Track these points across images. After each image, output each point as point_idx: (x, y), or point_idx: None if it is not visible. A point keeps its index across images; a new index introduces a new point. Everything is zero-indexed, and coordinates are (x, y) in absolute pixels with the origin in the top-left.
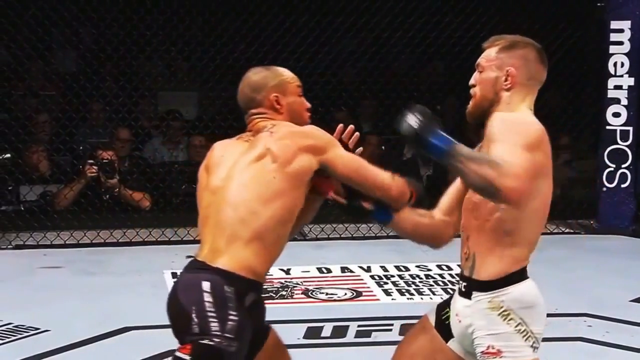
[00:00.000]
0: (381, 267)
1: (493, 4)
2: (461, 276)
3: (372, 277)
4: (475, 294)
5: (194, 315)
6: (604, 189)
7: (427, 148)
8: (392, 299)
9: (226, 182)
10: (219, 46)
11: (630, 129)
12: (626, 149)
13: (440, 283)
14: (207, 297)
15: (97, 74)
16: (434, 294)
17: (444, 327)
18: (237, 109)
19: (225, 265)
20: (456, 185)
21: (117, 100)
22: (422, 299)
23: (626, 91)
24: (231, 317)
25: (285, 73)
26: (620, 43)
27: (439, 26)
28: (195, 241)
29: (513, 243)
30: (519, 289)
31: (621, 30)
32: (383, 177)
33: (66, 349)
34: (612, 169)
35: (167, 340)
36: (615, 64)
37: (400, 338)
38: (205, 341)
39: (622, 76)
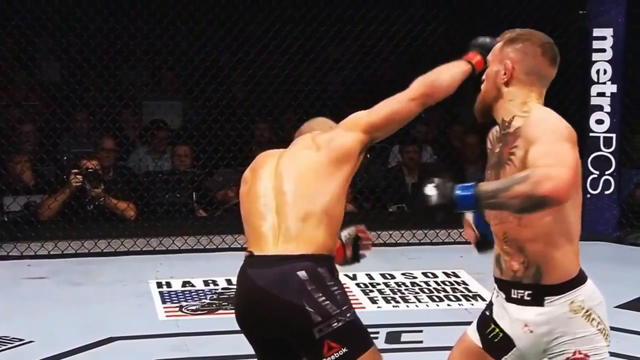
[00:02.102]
0: (367, 275)
1: (476, 12)
2: (517, 285)
3: (357, 285)
4: (548, 299)
5: (307, 307)
6: (588, 195)
7: (457, 208)
8: (378, 307)
9: (282, 171)
10: (203, 55)
11: (614, 135)
12: (610, 155)
13: (426, 290)
14: (309, 285)
15: (80, 84)
16: (419, 301)
17: (493, 346)
18: (221, 118)
19: (307, 249)
20: None
21: (101, 110)
22: (407, 306)
23: (609, 98)
24: (335, 291)
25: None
26: (603, 50)
27: (423, 34)
28: (180, 251)
29: (568, 241)
30: (589, 286)
31: (603, 38)
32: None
33: None
34: (595, 175)
35: (152, 351)
36: (598, 71)
37: (386, 346)
38: (337, 324)
39: (605, 83)
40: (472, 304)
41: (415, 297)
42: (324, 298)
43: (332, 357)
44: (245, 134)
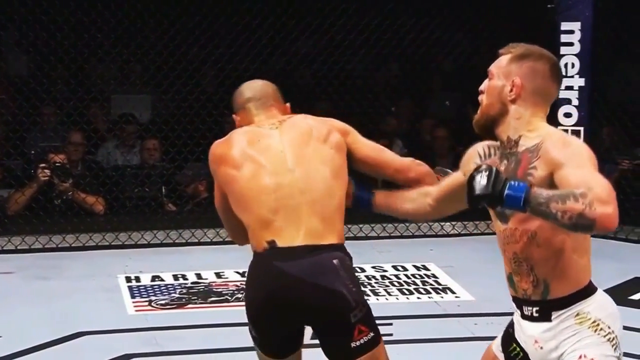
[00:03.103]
0: None
1: (446, 5)
2: (527, 302)
3: None
4: (555, 313)
5: (346, 293)
6: None
7: (505, 203)
8: None
9: (295, 165)
10: (172, 48)
11: (582, 129)
12: None
13: (396, 284)
14: (343, 273)
15: (48, 77)
16: (389, 294)
17: None
18: (190, 112)
19: (333, 239)
20: (454, 178)
21: (69, 103)
22: (377, 299)
23: (577, 92)
24: (357, 279)
25: None
26: (571, 44)
27: (393, 27)
28: (149, 245)
29: (580, 256)
30: (599, 298)
31: (571, 32)
32: (402, 160)
33: (19, 355)
34: None
35: (121, 345)
36: (566, 65)
37: None
38: (365, 309)
39: (572, 77)
40: (442, 297)
41: (386, 290)
42: (355, 285)
43: (362, 340)
44: (214, 127)
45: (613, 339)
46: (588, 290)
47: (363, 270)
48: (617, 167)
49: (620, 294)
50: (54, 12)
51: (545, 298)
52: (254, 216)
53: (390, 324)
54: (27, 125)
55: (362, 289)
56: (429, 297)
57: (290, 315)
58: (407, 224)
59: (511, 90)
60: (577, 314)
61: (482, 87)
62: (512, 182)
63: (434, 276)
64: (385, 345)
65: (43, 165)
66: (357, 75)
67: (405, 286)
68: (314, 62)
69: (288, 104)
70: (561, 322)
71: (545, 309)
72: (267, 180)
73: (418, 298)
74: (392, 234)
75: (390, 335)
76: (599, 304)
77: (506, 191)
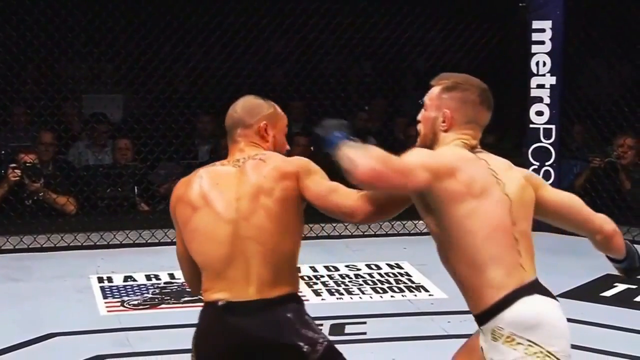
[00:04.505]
0: (310, 267)
1: (418, 4)
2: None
3: (301, 277)
4: (482, 328)
5: (300, 342)
6: None
7: (326, 146)
8: (322, 299)
9: (247, 215)
10: (143, 47)
11: (553, 127)
12: (549, 147)
13: (370, 282)
14: (297, 325)
15: (18, 77)
16: (363, 293)
17: None
18: (162, 111)
19: (285, 290)
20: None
21: (40, 103)
22: (351, 298)
23: (548, 90)
24: (312, 322)
25: (279, 109)
26: (542, 42)
27: (365, 27)
28: (122, 245)
29: (478, 270)
30: (513, 311)
31: (542, 30)
32: (350, 202)
33: None
34: (536, 166)
35: (93, 346)
36: (537, 63)
37: (330, 337)
38: (321, 347)
39: (544, 75)
40: (415, 295)
41: (359, 288)
42: (308, 330)
43: None
44: (187, 127)
45: (536, 352)
46: (500, 305)
47: (336, 269)
48: (588, 165)
49: (592, 291)
50: (23, 11)
51: (473, 312)
52: (207, 263)
53: (364, 323)
54: None
55: (343, 291)
56: (403, 296)
57: None
58: (380, 223)
59: (444, 122)
60: (493, 331)
61: (419, 117)
62: (341, 135)
63: (408, 274)
64: (359, 344)
65: (13, 165)
66: (329, 75)
67: (379, 285)
68: (286, 61)
69: (264, 123)
70: (487, 336)
71: (478, 323)
72: (220, 228)
73: (392, 296)
74: (365, 233)
75: (364, 333)
76: (515, 317)
77: (330, 138)
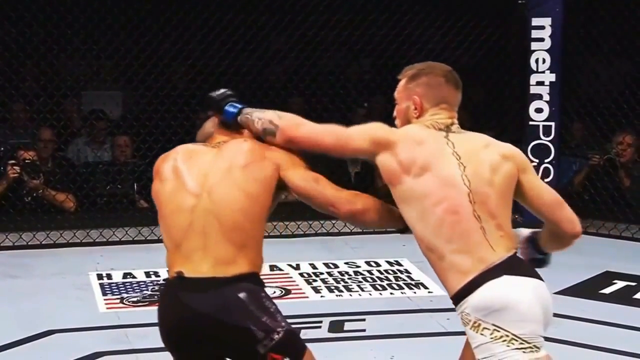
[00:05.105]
0: (310, 264)
1: (417, 2)
2: None
3: (301, 274)
4: (456, 311)
5: (251, 326)
6: None
7: (224, 114)
8: (321, 296)
9: (212, 188)
10: (142, 44)
11: (553, 124)
12: (549, 144)
13: (369, 279)
14: (250, 305)
15: (17, 74)
16: (362, 290)
17: None
18: (162, 108)
19: (243, 268)
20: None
21: (39, 100)
22: (351, 295)
23: (548, 87)
24: (272, 307)
25: None
26: (542, 40)
27: (364, 24)
28: (121, 242)
29: (440, 255)
30: (476, 296)
31: (542, 27)
32: (338, 193)
33: None
34: (535, 163)
35: (92, 343)
36: (537, 61)
37: (329, 335)
38: (277, 336)
39: (543, 72)
40: (415, 292)
41: (359, 285)
42: (264, 314)
43: None
44: (186, 124)
45: (502, 336)
46: (464, 291)
47: (336, 266)
48: (587, 162)
49: (591, 289)
50: (23, 7)
51: (449, 295)
52: (168, 235)
53: (364, 320)
54: None
55: (336, 289)
56: (402, 293)
57: (198, 347)
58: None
59: (415, 109)
60: (462, 316)
61: (394, 114)
62: (237, 103)
63: (407, 271)
64: (359, 341)
65: (12, 162)
66: (328, 72)
67: (378, 282)
68: (285, 58)
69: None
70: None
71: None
72: (184, 200)
73: (391, 293)
74: (365, 230)
75: (364, 330)
76: (478, 303)
77: (226, 106)
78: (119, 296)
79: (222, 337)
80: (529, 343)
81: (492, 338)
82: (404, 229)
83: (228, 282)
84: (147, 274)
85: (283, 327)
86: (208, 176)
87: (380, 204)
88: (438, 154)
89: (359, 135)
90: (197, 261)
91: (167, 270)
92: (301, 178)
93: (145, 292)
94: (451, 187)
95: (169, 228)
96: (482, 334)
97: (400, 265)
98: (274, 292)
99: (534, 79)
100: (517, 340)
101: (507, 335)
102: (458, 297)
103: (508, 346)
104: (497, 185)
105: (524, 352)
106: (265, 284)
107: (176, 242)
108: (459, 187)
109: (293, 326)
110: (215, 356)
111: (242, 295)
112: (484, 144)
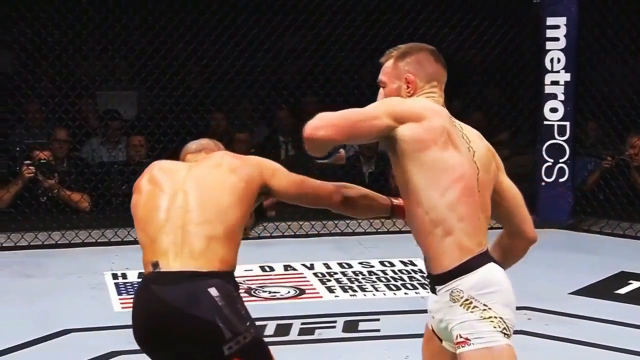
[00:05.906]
0: (324, 264)
1: (432, 1)
2: (427, 275)
3: (315, 274)
4: (438, 287)
5: (220, 323)
6: (543, 183)
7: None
8: (335, 296)
9: (189, 187)
10: (157, 45)
11: (567, 124)
12: (563, 143)
13: (383, 279)
14: (220, 302)
15: (32, 74)
16: (376, 290)
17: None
18: (176, 108)
19: (213, 266)
20: None
21: (54, 100)
22: (365, 295)
23: (563, 87)
24: (242, 309)
25: None
26: (557, 39)
27: (379, 23)
28: (136, 242)
29: (443, 230)
30: (475, 275)
31: (557, 27)
32: (325, 186)
33: (4, 353)
34: (550, 163)
35: (107, 342)
36: (551, 60)
37: (344, 335)
38: (244, 340)
39: (558, 72)
40: (429, 292)
41: (373, 285)
42: (233, 314)
43: None
44: (200, 124)
45: (490, 317)
46: (463, 269)
47: (350, 266)
48: (601, 163)
49: (606, 289)
50: (38, 8)
51: (431, 273)
52: (144, 234)
53: (378, 320)
54: (12, 122)
55: (339, 287)
56: (416, 293)
57: (166, 342)
58: (394, 219)
59: (408, 87)
60: (452, 292)
61: (378, 97)
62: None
63: (421, 271)
64: (373, 341)
65: (28, 162)
66: (343, 71)
67: (392, 282)
68: (300, 57)
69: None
70: (442, 297)
71: (432, 283)
72: (161, 200)
73: (405, 293)
74: (379, 230)
75: (378, 330)
76: (476, 282)
77: None
78: (133, 296)
79: (190, 332)
80: (508, 329)
81: (481, 317)
82: (392, 214)
83: (201, 276)
84: None
85: (252, 333)
86: (186, 178)
87: (368, 191)
88: (455, 132)
89: (383, 118)
90: (172, 256)
91: (144, 267)
92: (289, 181)
93: None
94: (468, 168)
95: (145, 226)
96: (471, 312)
97: (414, 265)
98: (289, 292)
99: (548, 78)
100: (503, 324)
101: (496, 317)
102: (452, 274)
103: (495, 328)
104: (490, 179)
105: (504, 335)
106: (239, 286)
107: (152, 238)
108: (473, 170)
109: (307, 326)
110: (185, 355)
111: (212, 290)
112: (478, 134)
